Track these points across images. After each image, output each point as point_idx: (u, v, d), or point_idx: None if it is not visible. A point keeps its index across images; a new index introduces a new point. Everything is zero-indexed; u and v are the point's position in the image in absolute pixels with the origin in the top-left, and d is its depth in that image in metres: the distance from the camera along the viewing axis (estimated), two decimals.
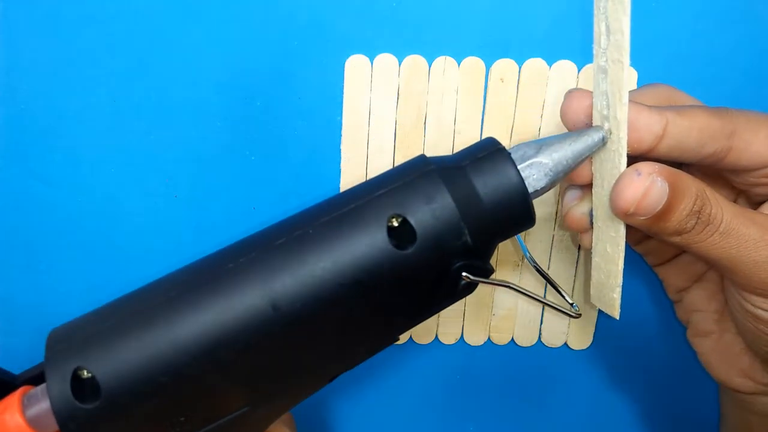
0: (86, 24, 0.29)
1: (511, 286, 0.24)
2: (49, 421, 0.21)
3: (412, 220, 0.22)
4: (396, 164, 0.30)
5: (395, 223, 0.22)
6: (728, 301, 0.27)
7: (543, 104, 0.29)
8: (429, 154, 0.30)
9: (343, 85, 0.29)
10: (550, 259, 0.31)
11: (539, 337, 0.33)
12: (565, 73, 0.29)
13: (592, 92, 0.24)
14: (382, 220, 0.22)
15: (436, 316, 0.32)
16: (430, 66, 0.29)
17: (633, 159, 0.23)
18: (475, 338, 0.32)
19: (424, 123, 0.30)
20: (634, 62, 0.29)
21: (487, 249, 0.23)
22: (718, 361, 0.28)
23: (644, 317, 0.33)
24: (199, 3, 0.28)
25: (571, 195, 0.26)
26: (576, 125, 0.24)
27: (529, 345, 0.33)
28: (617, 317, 0.26)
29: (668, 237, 0.23)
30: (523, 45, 0.29)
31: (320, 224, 0.22)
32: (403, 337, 0.32)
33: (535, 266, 0.27)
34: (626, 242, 0.24)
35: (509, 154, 0.23)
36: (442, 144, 0.30)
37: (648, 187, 0.22)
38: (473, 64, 0.29)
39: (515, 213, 0.23)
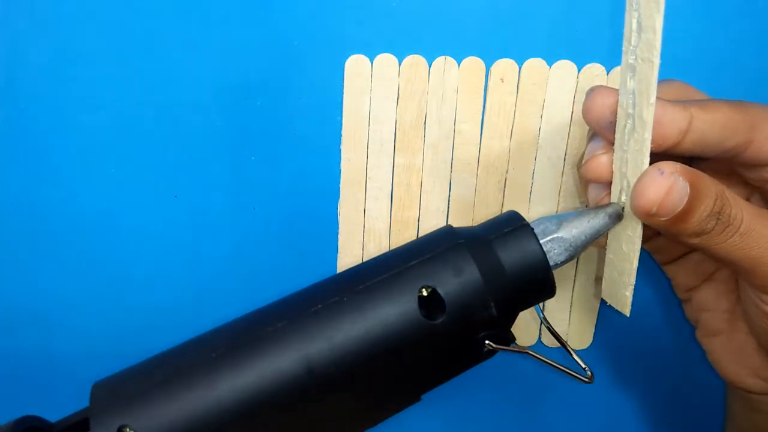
0: (86, 24, 0.29)
1: (530, 353, 0.25)
2: None
3: (441, 292, 0.23)
4: (396, 165, 0.30)
5: (425, 293, 0.23)
6: (743, 302, 0.27)
7: (543, 104, 0.29)
8: (429, 153, 0.30)
9: (343, 85, 0.29)
10: None
11: (539, 337, 0.33)
12: (565, 73, 0.29)
13: (616, 90, 0.23)
14: (413, 291, 0.23)
15: None
16: (430, 66, 0.29)
17: (653, 156, 0.23)
18: None
19: (424, 123, 0.30)
20: None
21: (510, 318, 0.25)
22: (728, 361, 0.28)
23: (644, 316, 0.33)
24: (199, 3, 0.28)
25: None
26: (600, 123, 0.24)
27: (529, 345, 0.33)
28: (628, 314, 0.26)
29: (687, 238, 0.23)
30: (523, 45, 0.29)
31: (354, 292, 0.23)
32: None
33: (549, 328, 0.28)
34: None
35: (533, 230, 0.24)
36: (442, 144, 0.30)
37: (670, 186, 0.22)
38: (473, 64, 0.29)
39: (537, 285, 0.24)
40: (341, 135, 0.30)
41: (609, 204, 0.25)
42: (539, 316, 0.28)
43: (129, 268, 0.32)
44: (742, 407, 0.29)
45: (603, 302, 0.32)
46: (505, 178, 0.30)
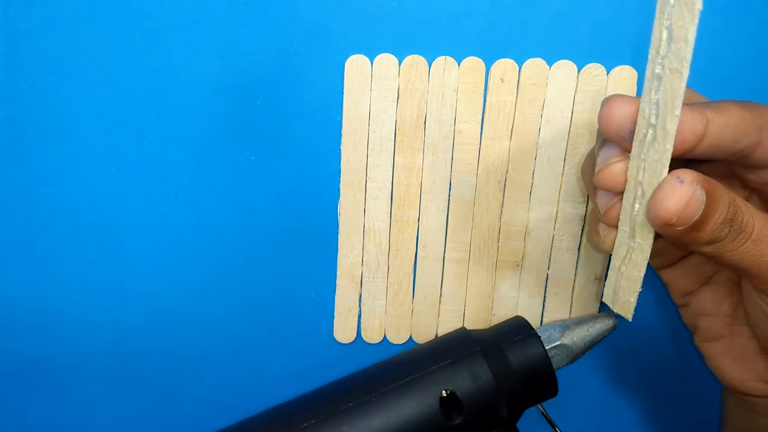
0: (86, 24, 0.29)
1: None
2: None
3: (460, 395, 0.26)
4: (396, 165, 0.30)
5: (445, 394, 0.26)
6: (746, 305, 0.27)
7: (543, 104, 0.29)
8: (429, 153, 0.30)
9: (343, 85, 0.29)
10: (550, 259, 0.31)
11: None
12: (565, 73, 0.29)
13: (634, 98, 0.23)
14: (435, 395, 0.26)
15: (435, 315, 0.32)
16: (430, 66, 0.29)
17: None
18: None
19: (424, 123, 0.30)
20: (634, 63, 0.29)
21: (517, 416, 0.28)
22: (730, 366, 0.28)
23: (644, 319, 0.33)
24: (199, 3, 0.28)
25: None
26: (620, 133, 0.23)
27: None
28: (630, 320, 0.26)
29: (700, 247, 0.23)
30: (523, 45, 0.29)
31: (381, 393, 0.26)
32: (403, 337, 0.32)
33: (543, 413, 0.30)
34: None
35: (540, 338, 0.28)
36: (441, 144, 0.30)
37: (690, 195, 0.21)
38: (473, 64, 0.29)
39: (543, 387, 0.28)
40: (341, 135, 0.30)
41: (606, 314, 0.29)
42: (540, 409, 0.30)
43: (129, 268, 0.32)
44: (740, 410, 0.29)
45: (603, 303, 0.32)
46: (505, 178, 0.30)
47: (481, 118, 0.30)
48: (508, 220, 0.31)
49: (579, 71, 0.29)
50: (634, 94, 0.29)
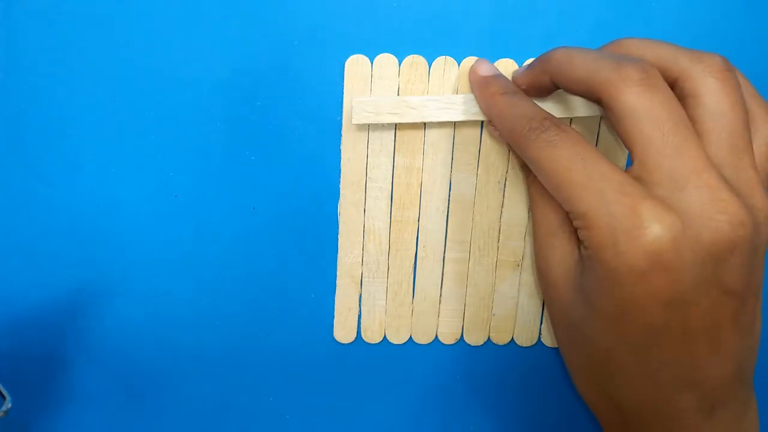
0: (86, 24, 0.29)
1: None
2: None
3: None
4: (396, 165, 0.30)
5: None
6: None
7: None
8: (429, 153, 0.30)
9: (343, 85, 0.29)
10: None
11: (539, 337, 0.33)
12: None
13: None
14: None
15: (435, 315, 0.32)
16: (430, 66, 0.29)
17: None
18: (475, 338, 0.32)
19: (424, 123, 0.30)
20: None
21: None
22: None
23: None
24: (199, 3, 0.28)
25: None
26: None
27: (529, 345, 0.33)
28: None
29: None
30: (523, 45, 0.29)
31: None
32: (403, 337, 0.32)
33: None
34: None
35: None
36: (442, 144, 0.30)
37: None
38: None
39: None
40: (341, 135, 0.30)
41: None
42: None
43: (129, 267, 0.32)
44: None
45: None
46: (505, 178, 0.30)
47: (481, 124, 0.30)
48: (508, 220, 0.31)
49: None
50: None
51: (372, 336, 0.32)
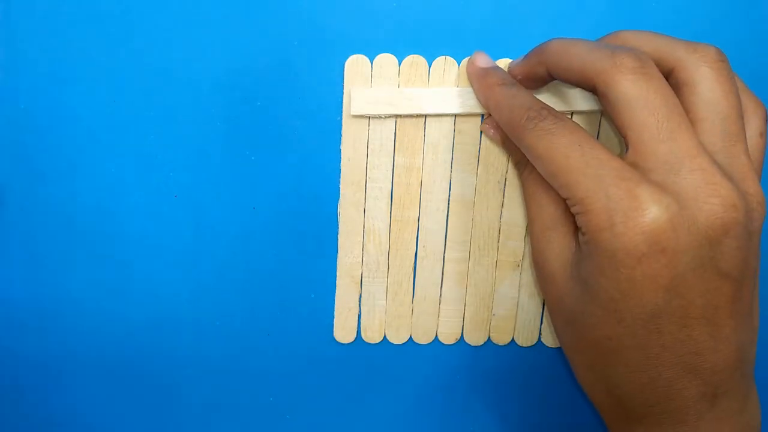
0: (86, 24, 0.29)
1: None
2: None
3: None
4: (396, 165, 0.30)
5: None
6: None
7: None
8: (429, 153, 0.30)
9: (343, 85, 0.29)
10: None
11: (539, 337, 0.33)
12: None
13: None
14: None
15: (435, 315, 0.32)
16: (429, 66, 0.29)
17: None
18: (475, 338, 0.32)
19: (424, 123, 0.30)
20: None
21: None
22: None
23: None
24: (199, 3, 0.28)
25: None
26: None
27: (529, 345, 0.33)
28: None
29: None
30: (523, 45, 0.29)
31: None
32: (403, 337, 0.32)
33: None
34: None
35: None
36: (442, 144, 0.30)
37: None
38: None
39: None
40: (341, 135, 0.30)
41: None
42: None
43: (128, 268, 0.32)
44: None
45: None
46: (505, 178, 0.30)
47: (480, 117, 0.30)
48: (508, 220, 0.31)
49: None
50: None
51: (372, 336, 0.32)
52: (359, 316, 0.32)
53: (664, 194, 0.21)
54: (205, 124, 0.30)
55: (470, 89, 0.29)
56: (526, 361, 0.33)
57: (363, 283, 0.32)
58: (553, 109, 0.24)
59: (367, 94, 0.29)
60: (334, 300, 0.32)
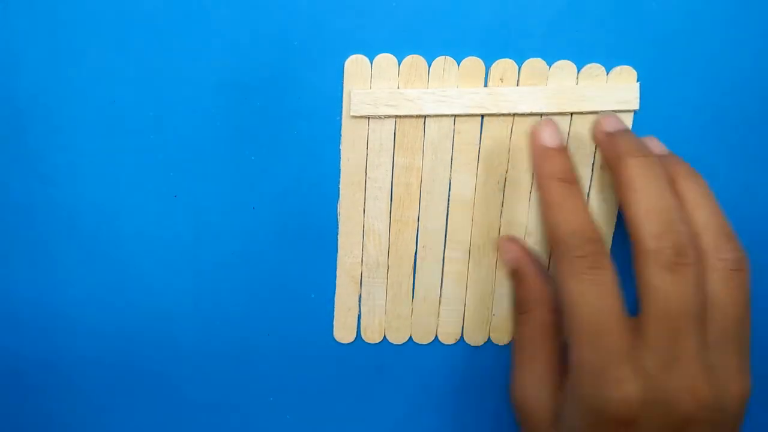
0: (86, 24, 0.29)
1: None
2: None
3: None
4: (396, 165, 0.30)
5: None
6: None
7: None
8: (429, 153, 0.30)
9: (342, 86, 0.29)
10: (549, 260, 0.31)
11: None
12: (564, 73, 0.29)
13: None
14: None
15: (435, 315, 0.32)
16: (429, 66, 0.29)
17: None
18: (475, 338, 0.32)
19: (424, 123, 0.30)
20: (634, 63, 0.29)
21: None
22: None
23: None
24: (199, 3, 0.28)
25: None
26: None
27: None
28: None
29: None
30: (523, 45, 0.29)
31: None
32: (403, 337, 0.32)
33: None
34: None
35: None
36: (442, 144, 0.30)
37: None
38: (473, 63, 0.29)
39: None
40: (341, 135, 0.30)
41: None
42: None
43: (128, 268, 0.32)
44: None
45: None
46: (505, 178, 0.30)
47: (480, 117, 0.30)
48: (508, 220, 0.31)
49: (579, 71, 0.29)
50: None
51: (372, 336, 0.32)
52: (359, 316, 0.32)
53: (646, 379, 0.24)
54: (205, 124, 0.30)
55: (470, 89, 0.29)
56: None
57: (363, 283, 0.32)
58: (601, 242, 0.25)
59: (366, 95, 0.29)
60: (334, 300, 0.32)
